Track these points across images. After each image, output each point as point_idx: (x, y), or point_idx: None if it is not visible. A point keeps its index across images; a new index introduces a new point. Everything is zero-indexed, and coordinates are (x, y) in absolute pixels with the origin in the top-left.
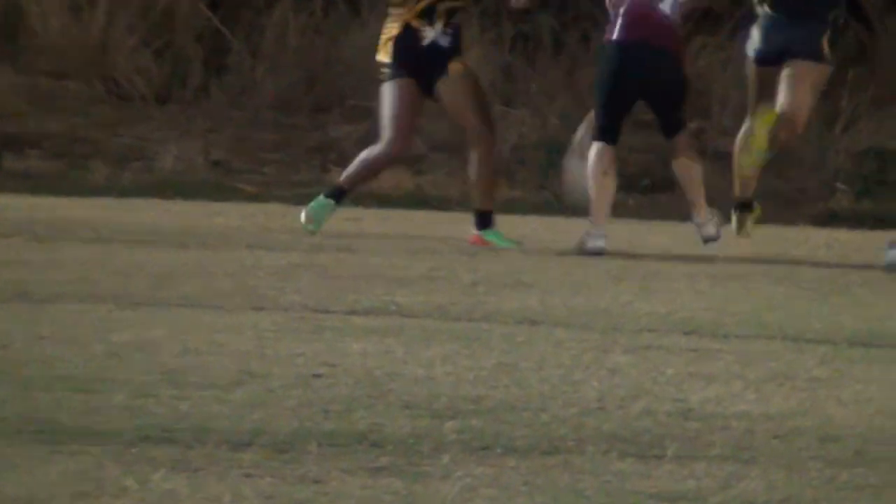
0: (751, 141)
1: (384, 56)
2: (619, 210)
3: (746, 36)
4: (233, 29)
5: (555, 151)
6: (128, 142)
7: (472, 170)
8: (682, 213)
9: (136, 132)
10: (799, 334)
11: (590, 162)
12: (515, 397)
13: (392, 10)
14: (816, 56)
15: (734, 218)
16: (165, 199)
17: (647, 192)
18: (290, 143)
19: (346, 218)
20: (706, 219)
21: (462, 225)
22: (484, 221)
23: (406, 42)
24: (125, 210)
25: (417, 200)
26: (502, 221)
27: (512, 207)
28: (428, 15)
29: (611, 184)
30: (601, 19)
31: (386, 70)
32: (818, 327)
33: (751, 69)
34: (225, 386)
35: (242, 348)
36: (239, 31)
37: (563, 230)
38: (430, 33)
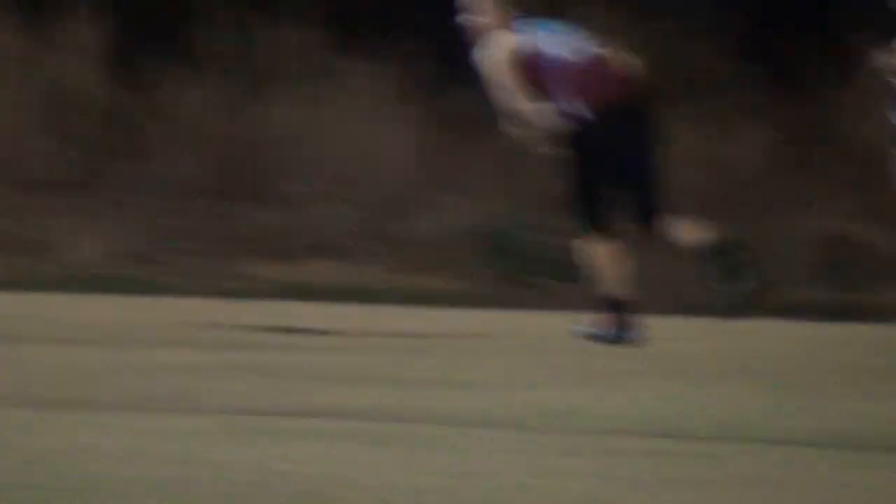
0: None
1: None
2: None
3: None
4: (149, 111)
5: (499, 236)
6: (32, 232)
7: None
8: None
9: (43, 221)
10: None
11: None
12: None
13: None
14: None
15: None
16: (78, 294)
17: None
18: (210, 231)
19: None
20: None
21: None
22: None
23: None
24: (35, 304)
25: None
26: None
27: (436, 299)
28: None
29: None
30: None
31: None
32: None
33: None
34: (160, 496)
35: (176, 453)
36: (158, 114)
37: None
38: None
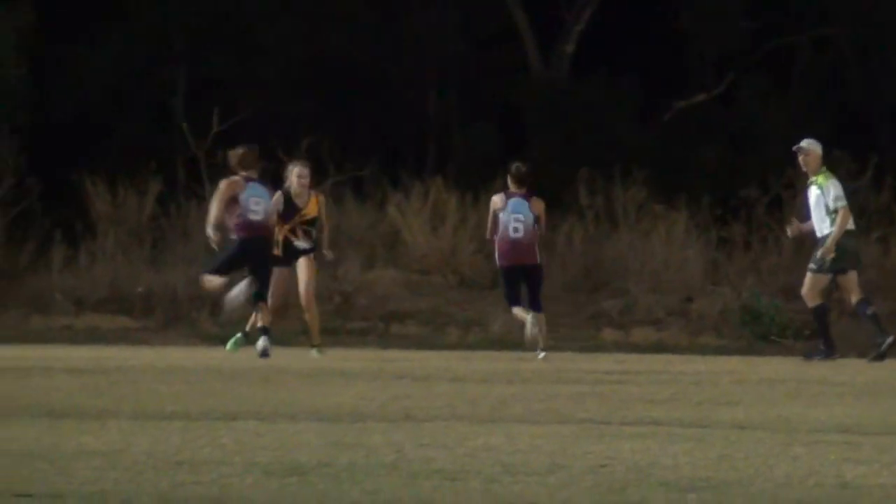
0: None
1: None
2: None
3: None
4: None
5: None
6: (471, 314)
7: None
8: None
9: (476, 307)
10: None
11: None
12: None
13: None
14: None
15: None
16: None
17: None
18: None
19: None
20: None
21: None
22: None
23: None
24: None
25: None
26: None
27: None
28: None
29: None
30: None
31: None
32: None
33: None
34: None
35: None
36: None
37: None
38: None
